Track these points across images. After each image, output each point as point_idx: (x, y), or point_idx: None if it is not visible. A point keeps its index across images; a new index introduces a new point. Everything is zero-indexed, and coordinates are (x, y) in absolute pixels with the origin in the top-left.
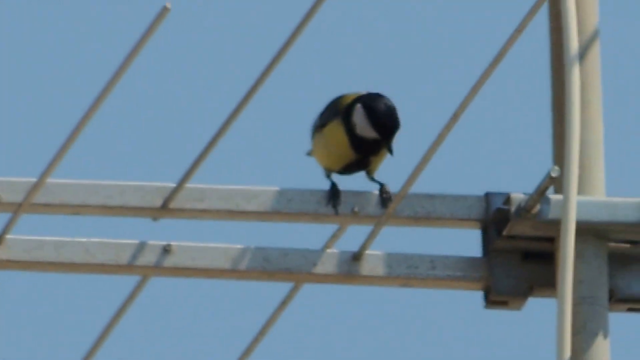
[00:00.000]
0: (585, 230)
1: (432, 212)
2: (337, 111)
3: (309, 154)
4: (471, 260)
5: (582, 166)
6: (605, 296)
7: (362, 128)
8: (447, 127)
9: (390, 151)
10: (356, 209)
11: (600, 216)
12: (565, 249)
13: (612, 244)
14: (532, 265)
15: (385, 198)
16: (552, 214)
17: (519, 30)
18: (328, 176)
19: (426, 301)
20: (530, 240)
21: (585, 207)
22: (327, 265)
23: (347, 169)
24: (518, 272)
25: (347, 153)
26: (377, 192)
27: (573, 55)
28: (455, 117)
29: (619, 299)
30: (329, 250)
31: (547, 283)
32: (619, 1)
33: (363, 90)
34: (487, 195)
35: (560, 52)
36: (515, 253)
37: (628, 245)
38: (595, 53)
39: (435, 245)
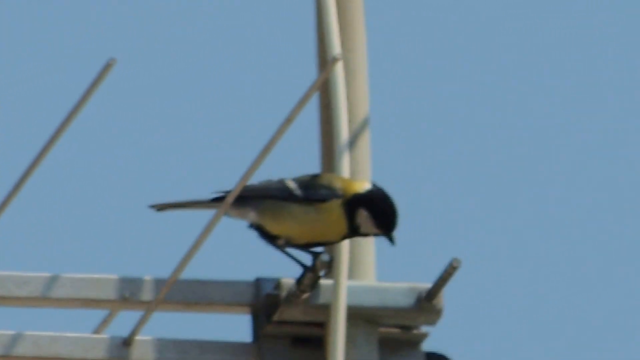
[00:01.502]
0: (356, 315)
1: (202, 297)
2: (335, 193)
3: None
4: (241, 346)
5: (352, 251)
6: None
7: (366, 227)
8: (218, 215)
9: (393, 242)
10: (127, 294)
11: (371, 301)
12: (336, 334)
13: (383, 329)
14: (303, 350)
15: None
16: (322, 299)
17: (289, 120)
18: (278, 245)
19: None
20: (301, 325)
21: (356, 292)
22: (97, 350)
23: (309, 246)
24: (288, 357)
25: (336, 234)
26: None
27: (343, 143)
28: (226, 205)
29: None
30: (99, 336)
31: None
32: (388, 89)
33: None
34: (258, 281)
35: (330, 141)
36: (285, 338)
37: (398, 330)
38: (366, 141)
39: (206, 331)
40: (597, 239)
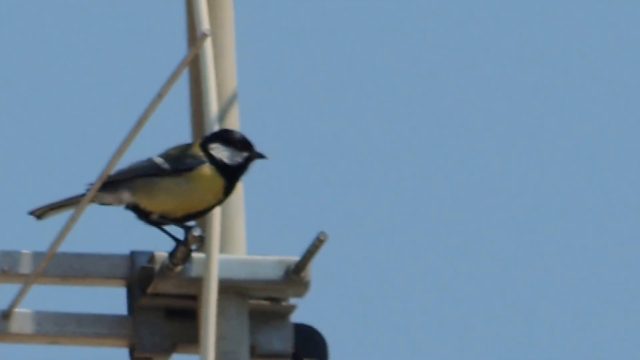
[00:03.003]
0: (227, 288)
1: (79, 270)
2: (201, 159)
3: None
4: (117, 318)
5: (223, 226)
6: (246, 351)
7: (231, 157)
8: (93, 189)
9: (264, 156)
10: (6, 268)
11: (241, 274)
12: (208, 306)
13: (253, 301)
14: (176, 322)
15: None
16: (194, 272)
17: (160, 95)
18: (152, 221)
19: (75, 358)
20: (174, 298)
21: (227, 265)
22: None
23: (186, 218)
24: (162, 329)
25: (212, 197)
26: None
27: (213, 118)
28: (100, 180)
29: (260, 354)
30: None
31: (190, 339)
32: (256, 65)
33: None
34: (132, 254)
35: (200, 115)
36: (159, 310)
37: (268, 302)
38: (235, 116)
39: (83, 303)
40: (463, 211)
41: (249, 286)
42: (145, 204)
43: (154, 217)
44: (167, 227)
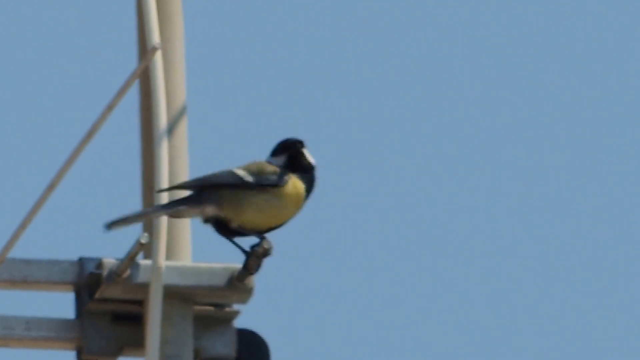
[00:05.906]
0: (173, 294)
1: (28, 275)
2: (275, 173)
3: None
4: (65, 322)
5: (170, 234)
6: (190, 355)
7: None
8: (44, 197)
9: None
10: None
11: (187, 281)
12: (153, 311)
13: (198, 307)
14: (123, 326)
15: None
16: (141, 278)
17: (110, 107)
18: (233, 233)
19: None
20: (121, 303)
21: (173, 272)
22: None
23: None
24: (109, 332)
25: (296, 211)
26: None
27: (162, 130)
28: (51, 187)
29: (204, 358)
30: None
31: (136, 343)
32: (205, 78)
33: None
34: (81, 260)
35: (150, 127)
36: (106, 315)
37: (212, 308)
38: (183, 128)
39: (31, 308)
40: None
41: (193, 292)
42: (232, 217)
43: (234, 225)
44: (238, 240)
